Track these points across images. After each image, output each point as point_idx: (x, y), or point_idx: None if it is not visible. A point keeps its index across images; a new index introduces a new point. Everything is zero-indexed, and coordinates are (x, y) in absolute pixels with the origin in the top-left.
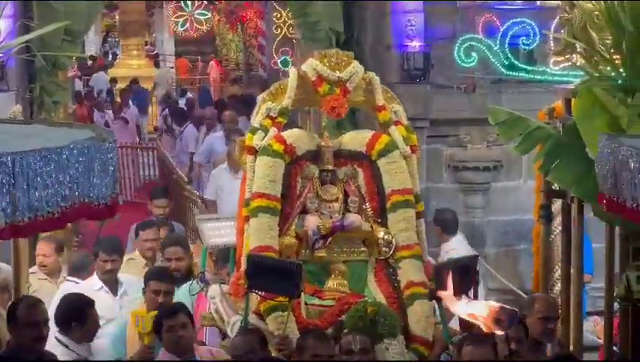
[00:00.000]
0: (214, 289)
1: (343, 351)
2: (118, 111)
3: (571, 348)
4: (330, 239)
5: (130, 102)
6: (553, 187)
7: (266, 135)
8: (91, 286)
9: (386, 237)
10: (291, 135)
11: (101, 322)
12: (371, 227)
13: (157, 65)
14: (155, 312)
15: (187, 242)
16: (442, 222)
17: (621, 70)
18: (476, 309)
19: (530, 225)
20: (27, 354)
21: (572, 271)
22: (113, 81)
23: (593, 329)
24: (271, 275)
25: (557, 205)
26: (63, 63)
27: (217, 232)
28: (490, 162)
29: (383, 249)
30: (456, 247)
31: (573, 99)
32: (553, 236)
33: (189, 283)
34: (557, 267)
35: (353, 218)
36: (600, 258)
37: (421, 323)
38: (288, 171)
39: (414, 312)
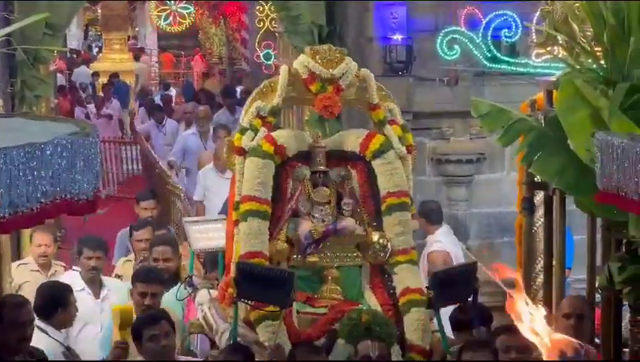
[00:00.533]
0: (202, 294)
1: (360, 356)
2: (101, 106)
3: None
4: (322, 244)
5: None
6: (535, 179)
7: (255, 135)
8: (73, 287)
9: (381, 241)
10: (282, 135)
11: (79, 324)
12: (366, 231)
13: (136, 58)
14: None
15: (176, 243)
16: (427, 213)
17: (602, 62)
18: (539, 328)
19: (513, 217)
20: (11, 355)
21: (554, 263)
22: (95, 75)
23: None
24: (261, 284)
25: (539, 197)
26: (44, 57)
27: (205, 235)
28: (473, 155)
29: (379, 254)
30: (442, 239)
31: (554, 91)
32: (535, 228)
33: (176, 287)
34: (539, 259)
35: (347, 221)
36: (582, 250)
37: (418, 332)
38: (279, 173)
39: (411, 320)
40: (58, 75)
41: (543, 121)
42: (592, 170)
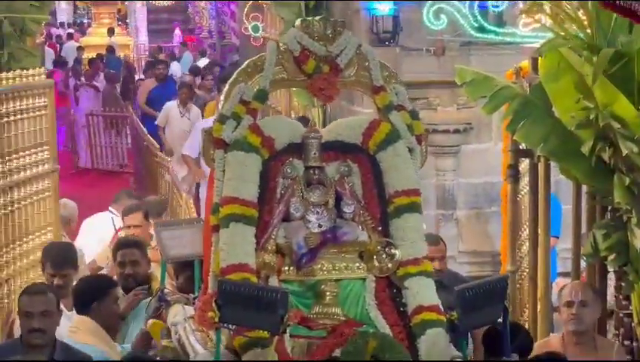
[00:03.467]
0: (176, 312)
1: None
2: (90, 79)
3: (539, 308)
4: (319, 253)
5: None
6: (520, 146)
7: (238, 124)
8: None
9: (387, 249)
10: (269, 124)
11: None
12: (370, 237)
13: (111, 32)
14: None
15: (144, 245)
16: None
17: (587, 29)
18: None
19: (500, 187)
20: (19, 347)
21: (539, 230)
22: (80, 49)
23: (555, 290)
24: (248, 307)
25: (524, 165)
26: (31, 29)
27: (178, 241)
28: (461, 125)
29: (385, 264)
30: None
31: (539, 59)
32: (521, 196)
33: (146, 301)
34: (524, 227)
35: (347, 226)
36: (570, 219)
37: (434, 358)
38: (267, 169)
39: (426, 344)
40: (48, 49)
41: (528, 89)
42: (577, 137)
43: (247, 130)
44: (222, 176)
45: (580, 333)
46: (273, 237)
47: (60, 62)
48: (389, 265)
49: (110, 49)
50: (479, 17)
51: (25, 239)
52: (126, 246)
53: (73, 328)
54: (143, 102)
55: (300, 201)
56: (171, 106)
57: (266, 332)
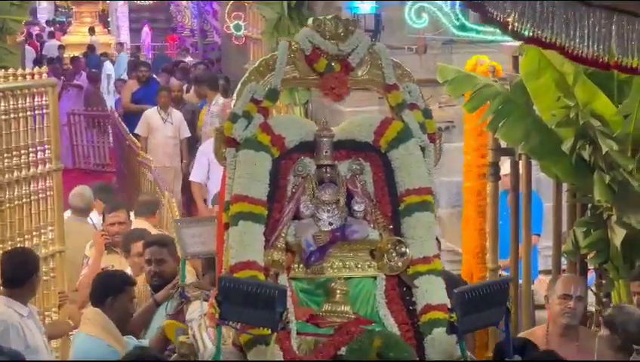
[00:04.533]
0: (194, 308)
1: None
2: (71, 78)
3: (522, 307)
4: (329, 251)
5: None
6: (501, 144)
7: (249, 123)
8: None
9: (398, 247)
10: (280, 122)
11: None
12: (380, 235)
13: (92, 31)
14: None
15: (173, 243)
16: None
17: None
18: None
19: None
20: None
21: (522, 228)
22: (61, 47)
23: (536, 287)
24: (247, 303)
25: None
26: (11, 28)
27: (199, 239)
28: (443, 123)
29: (396, 263)
30: None
31: (520, 57)
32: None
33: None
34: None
35: (358, 224)
36: (551, 217)
37: (440, 357)
38: (277, 167)
39: (432, 343)
40: (29, 48)
41: (508, 87)
42: (557, 135)
43: (258, 128)
44: (233, 175)
45: (571, 327)
46: (283, 235)
47: (40, 61)
48: (400, 264)
49: (91, 48)
50: (461, 16)
51: (27, 236)
52: (153, 245)
53: (84, 319)
54: (128, 102)
55: (311, 199)
56: (151, 113)
57: (265, 328)
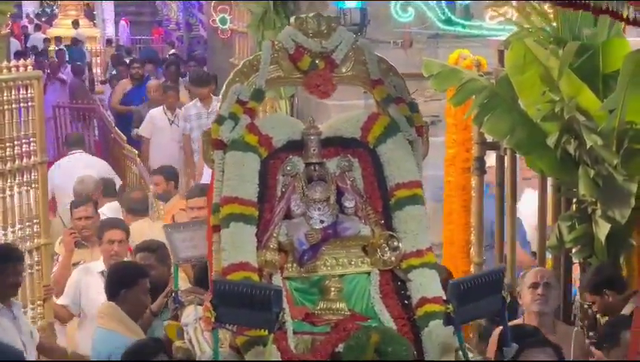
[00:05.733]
0: (189, 313)
1: None
2: (56, 71)
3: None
4: (322, 249)
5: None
6: (486, 139)
7: (236, 125)
8: None
9: (390, 242)
10: (267, 122)
11: None
12: (372, 231)
13: (76, 24)
14: None
15: (161, 249)
16: None
17: (553, 22)
18: None
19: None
20: None
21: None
22: (47, 40)
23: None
24: (242, 305)
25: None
26: None
27: (189, 243)
28: (428, 117)
29: (389, 258)
30: None
31: (505, 51)
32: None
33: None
34: None
35: (349, 221)
36: None
37: (438, 349)
38: (266, 168)
39: (429, 336)
40: (14, 40)
41: (493, 81)
42: (542, 129)
43: (245, 129)
44: (221, 177)
45: (543, 314)
46: (275, 235)
47: (22, 54)
48: (393, 258)
49: (74, 41)
50: (446, 10)
51: (11, 229)
52: (142, 250)
53: (100, 313)
54: (117, 102)
55: (301, 198)
56: (156, 114)
57: (262, 330)
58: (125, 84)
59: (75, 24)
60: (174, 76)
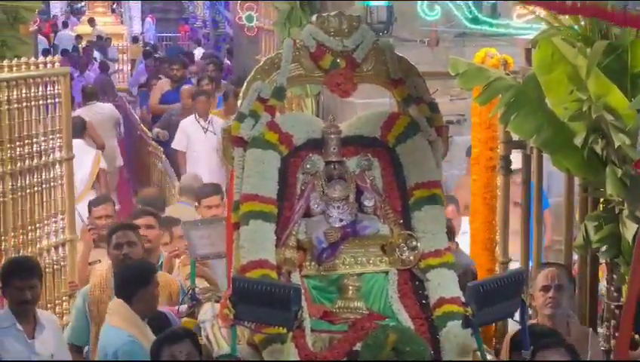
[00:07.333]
0: (206, 310)
1: None
2: (84, 68)
3: None
4: (340, 247)
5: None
6: (513, 138)
7: (256, 122)
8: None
9: (409, 241)
10: (288, 120)
11: None
12: (391, 230)
13: (92, 22)
14: None
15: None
16: None
17: (581, 20)
18: None
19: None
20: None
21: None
22: (78, 38)
23: None
24: (261, 303)
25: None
26: (24, 17)
27: (207, 240)
28: (454, 116)
29: (407, 257)
30: None
31: (533, 50)
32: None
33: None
34: None
35: (369, 220)
36: (562, 211)
37: (455, 350)
38: (286, 166)
39: (447, 336)
40: (41, 38)
41: (520, 80)
42: (570, 129)
43: (265, 127)
44: (241, 174)
45: (557, 317)
46: (294, 233)
47: (50, 51)
48: (411, 258)
49: (100, 38)
50: (473, 8)
51: (38, 225)
52: (120, 229)
53: (109, 311)
54: (156, 103)
55: (321, 196)
56: (189, 123)
57: (281, 328)
58: (164, 85)
59: (92, 22)
60: (216, 81)
